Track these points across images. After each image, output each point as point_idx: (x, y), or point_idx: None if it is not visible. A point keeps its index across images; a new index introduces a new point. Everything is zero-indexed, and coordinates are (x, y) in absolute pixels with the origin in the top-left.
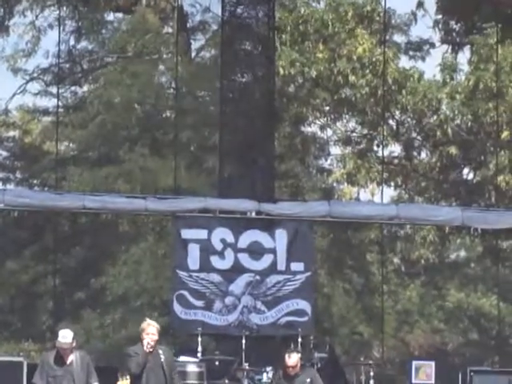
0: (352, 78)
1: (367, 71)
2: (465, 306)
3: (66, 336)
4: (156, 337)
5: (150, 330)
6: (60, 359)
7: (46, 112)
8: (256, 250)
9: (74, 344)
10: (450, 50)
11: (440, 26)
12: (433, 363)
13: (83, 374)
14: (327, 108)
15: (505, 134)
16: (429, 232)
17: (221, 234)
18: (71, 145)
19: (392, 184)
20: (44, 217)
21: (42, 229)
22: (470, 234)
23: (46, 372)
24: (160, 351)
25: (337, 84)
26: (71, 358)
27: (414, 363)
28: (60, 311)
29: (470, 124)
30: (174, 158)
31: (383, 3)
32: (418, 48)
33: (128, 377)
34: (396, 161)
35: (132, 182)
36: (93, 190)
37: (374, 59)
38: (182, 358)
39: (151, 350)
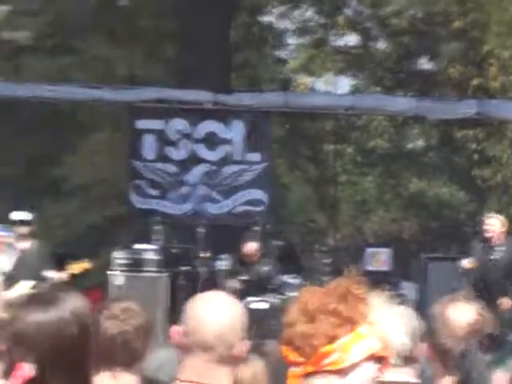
0: None
1: None
2: (423, 195)
3: (22, 217)
4: None
5: None
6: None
7: None
8: (212, 141)
9: (31, 229)
10: None
11: None
12: (388, 250)
13: (38, 263)
14: None
15: (456, 24)
16: (380, 123)
17: (176, 125)
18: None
19: (348, 74)
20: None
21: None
22: (425, 124)
23: None
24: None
25: None
26: (26, 245)
27: (369, 250)
28: (19, 200)
29: (422, 14)
30: (131, 47)
31: None
32: None
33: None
34: (353, 50)
35: (87, 71)
36: (49, 80)
37: None
38: (139, 246)
39: None
